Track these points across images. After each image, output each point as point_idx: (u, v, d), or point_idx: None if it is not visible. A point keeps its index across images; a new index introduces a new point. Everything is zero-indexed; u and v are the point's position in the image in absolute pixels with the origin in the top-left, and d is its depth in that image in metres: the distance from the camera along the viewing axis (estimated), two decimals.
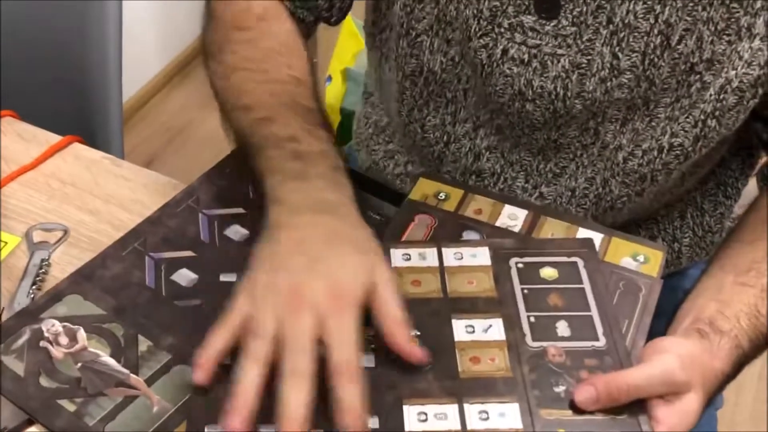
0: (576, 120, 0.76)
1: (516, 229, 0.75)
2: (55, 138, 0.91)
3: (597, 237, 0.74)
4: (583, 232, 0.74)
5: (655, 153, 0.76)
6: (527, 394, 0.61)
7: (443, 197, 0.78)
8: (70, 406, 0.61)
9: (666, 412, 0.60)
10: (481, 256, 0.70)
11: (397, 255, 0.70)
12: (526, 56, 0.74)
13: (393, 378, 0.62)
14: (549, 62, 0.73)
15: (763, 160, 0.86)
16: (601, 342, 0.64)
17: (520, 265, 0.70)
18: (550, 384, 0.62)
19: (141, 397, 0.62)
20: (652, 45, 0.70)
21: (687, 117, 0.74)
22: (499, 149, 0.82)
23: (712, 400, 0.65)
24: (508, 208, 0.77)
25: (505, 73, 0.75)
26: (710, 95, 0.72)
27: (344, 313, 0.59)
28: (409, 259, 0.70)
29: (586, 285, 0.68)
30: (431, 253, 0.71)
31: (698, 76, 0.72)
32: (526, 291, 0.68)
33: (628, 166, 0.77)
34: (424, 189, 0.79)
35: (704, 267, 0.75)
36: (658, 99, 0.73)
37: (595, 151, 0.78)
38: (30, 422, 0.61)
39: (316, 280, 0.60)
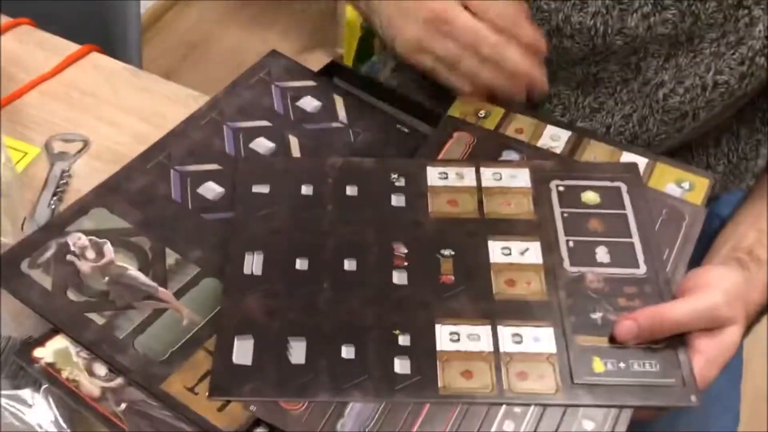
0: (616, 56, 0.73)
1: (558, 151, 0.72)
2: (73, 47, 0.88)
3: (641, 162, 0.71)
4: (627, 157, 0.72)
5: (699, 91, 0.73)
6: (563, 319, 0.60)
7: (483, 115, 0.75)
8: (99, 320, 0.61)
9: (707, 343, 0.59)
10: (521, 178, 0.68)
11: (433, 173, 0.69)
12: None
13: (426, 297, 0.61)
14: None
15: None
16: (642, 270, 0.63)
17: (560, 188, 0.68)
18: (586, 310, 0.60)
19: (170, 310, 0.62)
20: None
21: (733, 54, 0.71)
22: None
23: (751, 329, 0.63)
24: (550, 129, 0.74)
25: (542, 8, 0.72)
26: (759, 32, 0.69)
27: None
28: (446, 178, 0.68)
29: (629, 211, 0.66)
30: (469, 172, 0.69)
31: (747, 11, 0.69)
32: (566, 215, 0.66)
33: (669, 103, 0.75)
34: (462, 106, 0.76)
35: (745, 194, 0.73)
36: (703, 34, 0.70)
37: (635, 87, 0.75)
38: (55, 332, 0.61)
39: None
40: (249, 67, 0.80)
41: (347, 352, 0.58)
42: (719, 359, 0.59)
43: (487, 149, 0.72)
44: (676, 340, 0.59)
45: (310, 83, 0.79)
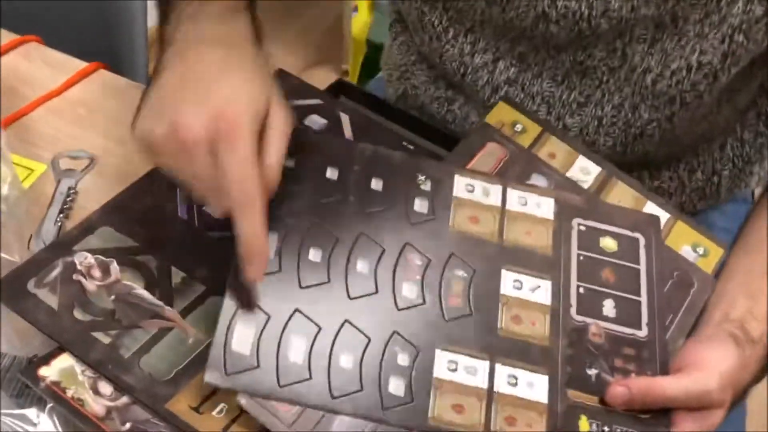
0: (602, 40, 0.74)
1: (585, 185, 0.72)
2: (80, 64, 0.89)
3: (663, 216, 0.70)
4: (650, 207, 0.71)
5: (684, 73, 0.74)
6: (559, 369, 0.60)
7: (519, 129, 0.74)
8: (105, 339, 0.61)
9: (690, 425, 0.60)
10: (545, 208, 0.68)
11: (461, 183, 0.68)
12: None
13: (432, 317, 0.61)
14: None
15: None
16: (643, 332, 0.63)
17: (582, 228, 0.67)
18: (583, 364, 0.60)
19: (176, 329, 0.62)
20: None
21: (716, 33, 0.71)
22: (519, 81, 0.80)
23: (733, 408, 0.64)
24: (581, 160, 0.73)
25: None
26: (738, 8, 0.70)
27: (235, 144, 0.55)
28: (472, 191, 0.68)
29: (642, 267, 0.66)
30: (496, 190, 0.68)
31: None
32: (582, 258, 0.66)
33: (657, 88, 0.75)
34: (501, 115, 0.75)
35: (735, 231, 0.72)
36: (687, 15, 0.71)
37: (622, 75, 0.76)
38: (61, 350, 0.61)
39: (200, 115, 0.56)
40: None
41: (346, 360, 0.58)
42: None
43: (518, 169, 0.72)
44: (662, 413, 0.59)
45: (317, 101, 0.79)
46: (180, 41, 0.62)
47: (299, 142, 0.67)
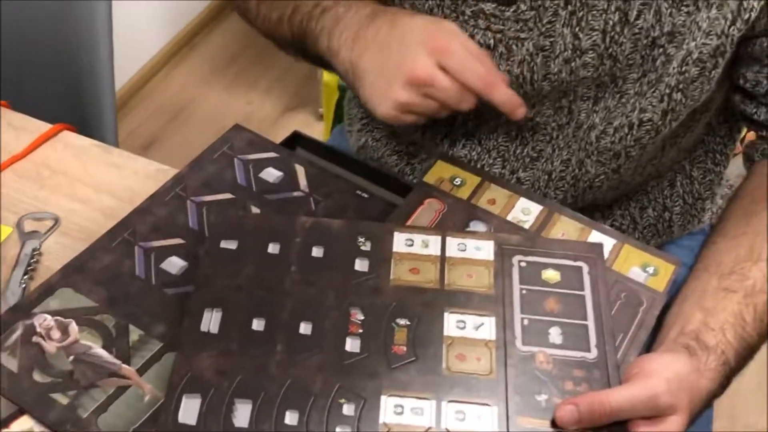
0: (549, 99, 0.76)
1: (527, 225, 0.73)
2: (45, 126, 0.91)
3: (609, 242, 0.72)
4: (595, 236, 0.72)
5: (626, 129, 0.76)
6: (508, 398, 0.60)
7: (459, 183, 0.77)
8: (63, 399, 0.62)
9: (645, 428, 0.59)
10: (485, 250, 0.69)
11: (400, 239, 0.70)
12: (491, 41, 0.74)
13: (376, 367, 0.62)
14: (514, 46, 0.74)
15: (748, 134, 0.85)
16: (593, 354, 0.63)
17: (522, 264, 0.68)
18: (533, 391, 0.61)
19: (133, 386, 0.63)
20: (611, 22, 0.70)
21: (654, 92, 0.74)
22: (476, 136, 0.82)
23: (696, 418, 0.63)
24: (522, 201, 0.75)
25: None
26: (673, 68, 0.72)
27: (453, 50, 0.70)
28: (411, 245, 0.70)
29: (587, 293, 0.67)
30: (435, 241, 0.70)
31: (661, 50, 0.71)
32: (524, 291, 0.67)
33: (602, 144, 0.77)
34: (440, 172, 0.78)
35: (691, 264, 0.73)
36: (625, 75, 0.73)
37: (570, 132, 0.78)
38: (21, 412, 0.62)
39: (421, 57, 0.70)
40: (212, 142, 0.82)
41: (291, 418, 0.59)
42: None
43: (456, 218, 0.74)
44: (618, 427, 0.59)
45: (272, 155, 0.81)
46: (345, 24, 0.76)
47: (240, 225, 0.70)
